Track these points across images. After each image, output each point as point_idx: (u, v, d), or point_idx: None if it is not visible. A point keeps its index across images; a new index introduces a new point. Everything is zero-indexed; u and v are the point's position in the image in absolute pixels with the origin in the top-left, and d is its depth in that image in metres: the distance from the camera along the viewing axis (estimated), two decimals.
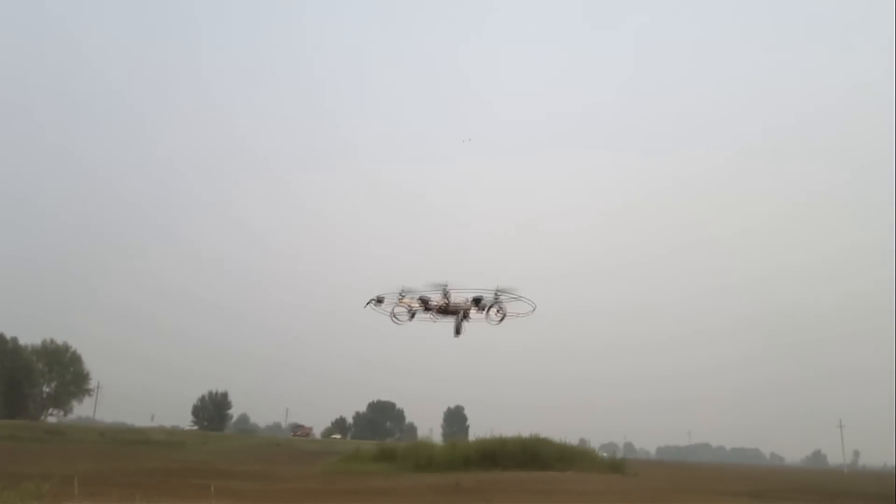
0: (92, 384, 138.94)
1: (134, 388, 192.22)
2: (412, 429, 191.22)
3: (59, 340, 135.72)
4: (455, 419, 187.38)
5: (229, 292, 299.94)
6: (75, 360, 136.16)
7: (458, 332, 29.49)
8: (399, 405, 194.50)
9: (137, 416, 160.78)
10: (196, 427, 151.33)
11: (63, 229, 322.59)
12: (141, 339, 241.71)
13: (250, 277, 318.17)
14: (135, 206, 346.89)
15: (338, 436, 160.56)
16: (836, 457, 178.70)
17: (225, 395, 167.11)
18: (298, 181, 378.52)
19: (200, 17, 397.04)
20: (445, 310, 29.26)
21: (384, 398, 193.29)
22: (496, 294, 28.96)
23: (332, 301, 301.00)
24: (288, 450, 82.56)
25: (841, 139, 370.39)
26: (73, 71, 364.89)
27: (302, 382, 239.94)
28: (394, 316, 29.24)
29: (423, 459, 48.23)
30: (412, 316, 29.35)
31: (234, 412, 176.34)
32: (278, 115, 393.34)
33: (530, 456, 48.74)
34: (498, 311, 29.06)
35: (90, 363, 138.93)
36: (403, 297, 29.05)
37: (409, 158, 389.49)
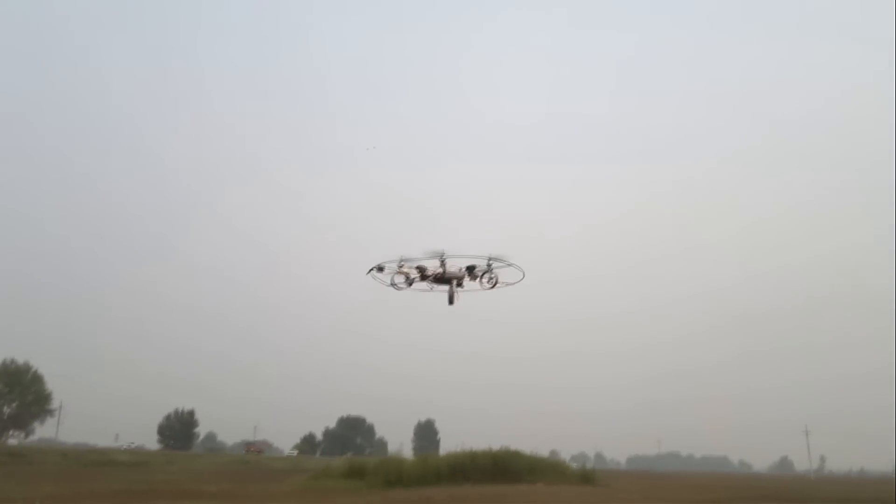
0: (54, 404, 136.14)
1: (97, 406, 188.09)
2: (383, 444, 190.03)
3: (22, 357, 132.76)
4: (426, 433, 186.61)
5: (198, 306, 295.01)
6: (37, 380, 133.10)
7: (451, 301, 30.67)
8: (369, 420, 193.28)
9: (101, 435, 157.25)
10: (161, 446, 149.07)
11: (53, 241, 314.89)
12: (107, 352, 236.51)
13: (223, 292, 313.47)
14: (124, 216, 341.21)
15: (294, 452, 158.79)
16: (802, 463, 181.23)
17: (191, 414, 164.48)
18: (296, 187, 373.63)
19: (200, 24, 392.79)
20: (441, 278, 30.48)
21: (354, 413, 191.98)
22: (489, 262, 30.37)
23: (305, 314, 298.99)
24: (256, 468, 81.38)
25: (840, 141, 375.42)
26: (71, 82, 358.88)
27: (271, 398, 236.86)
28: (393, 283, 30.43)
29: (393, 475, 47.79)
30: (410, 283, 30.55)
31: (201, 430, 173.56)
32: (277, 121, 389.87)
33: (501, 469, 48.66)
34: (490, 279, 30.62)
35: (55, 376, 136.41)
36: (402, 265, 30.26)
37: (406, 165, 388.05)
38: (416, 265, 30.34)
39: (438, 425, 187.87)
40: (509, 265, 30.48)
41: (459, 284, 30.71)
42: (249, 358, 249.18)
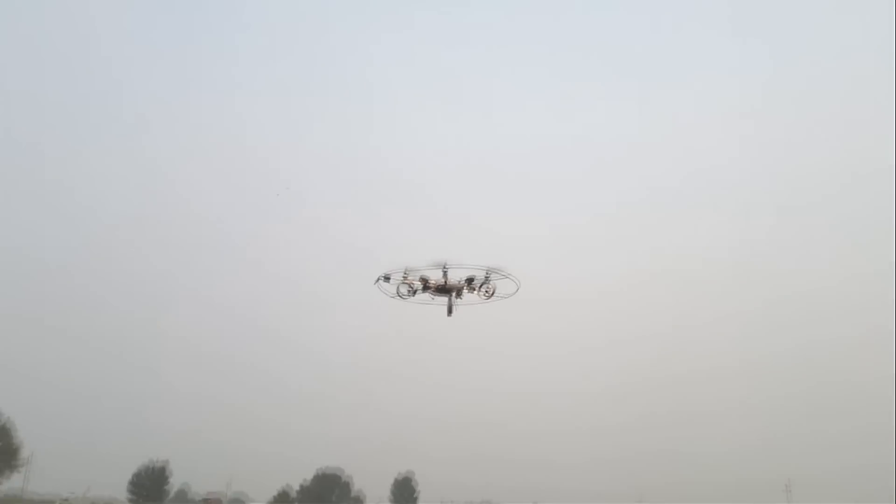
0: (24, 455, 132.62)
1: (68, 455, 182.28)
2: (360, 500, 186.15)
3: None
4: (404, 489, 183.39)
5: (184, 349, 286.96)
6: (5, 432, 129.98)
7: (449, 312, 32.68)
8: (347, 472, 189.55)
9: (72, 486, 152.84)
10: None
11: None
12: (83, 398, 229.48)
13: (210, 328, 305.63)
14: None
15: None
16: None
17: (163, 469, 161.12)
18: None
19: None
20: (442, 288, 32.34)
21: (332, 464, 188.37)
22: (487, 274, 32.41)
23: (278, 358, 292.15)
24: None
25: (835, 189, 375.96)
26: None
27: (250, 447, 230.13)
28: (399, 293, 32.46)
29: None
30: (413, 293, 32.52)
31: (177, 480, 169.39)
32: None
33: None
34: (486, 290, 32.70)
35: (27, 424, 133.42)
36: (407, 276, 32.22)
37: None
38: (419, 276, 32.22)
39: (415, 468, 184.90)
40: (506, 277, 32.38)
41: (458, 295, 32.59)
42: (232, 404, 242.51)
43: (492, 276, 32.54)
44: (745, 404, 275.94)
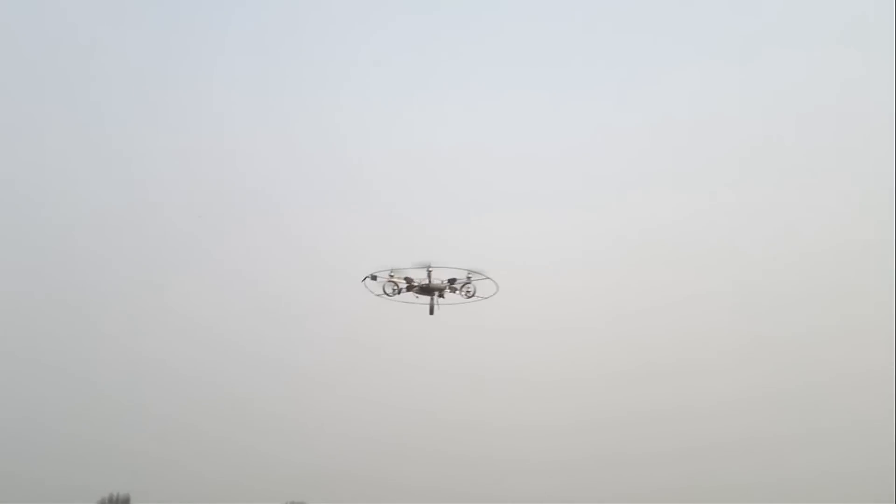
0: None
1: (26, 487, 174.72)
2: None
3: None
4: None
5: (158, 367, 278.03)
6: None
7: (431, 311, 34.62)
8: None
9: None
10: None
11: None
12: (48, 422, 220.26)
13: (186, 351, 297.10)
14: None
15: None
16: None
17: (127, 499, 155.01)
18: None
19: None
20: (426, 288, 34.42)
21: (300, 496, 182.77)
22: (468, 275, 34.57)
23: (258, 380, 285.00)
24: None
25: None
26: None
27: (213, 478, 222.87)
28: (385, 292, 34.44)
29: None
30: (398, 292, 34.47)
31: None
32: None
33: None
34: (467, 291, 34.75)
35: None
36: (393, 275, 34.22)
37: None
38: (404, 276, 34.09)
39: (389, 498, 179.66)
40: (486, 278, 34.50)
41: (441, 295, 34.31)
42: (195, 431, 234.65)
43: (473, 277, 34.40)
44: (739, 399, 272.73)
